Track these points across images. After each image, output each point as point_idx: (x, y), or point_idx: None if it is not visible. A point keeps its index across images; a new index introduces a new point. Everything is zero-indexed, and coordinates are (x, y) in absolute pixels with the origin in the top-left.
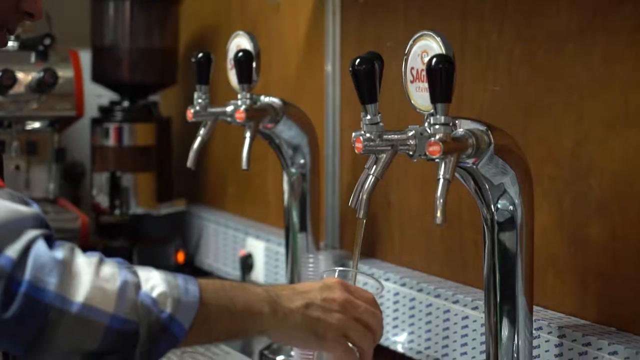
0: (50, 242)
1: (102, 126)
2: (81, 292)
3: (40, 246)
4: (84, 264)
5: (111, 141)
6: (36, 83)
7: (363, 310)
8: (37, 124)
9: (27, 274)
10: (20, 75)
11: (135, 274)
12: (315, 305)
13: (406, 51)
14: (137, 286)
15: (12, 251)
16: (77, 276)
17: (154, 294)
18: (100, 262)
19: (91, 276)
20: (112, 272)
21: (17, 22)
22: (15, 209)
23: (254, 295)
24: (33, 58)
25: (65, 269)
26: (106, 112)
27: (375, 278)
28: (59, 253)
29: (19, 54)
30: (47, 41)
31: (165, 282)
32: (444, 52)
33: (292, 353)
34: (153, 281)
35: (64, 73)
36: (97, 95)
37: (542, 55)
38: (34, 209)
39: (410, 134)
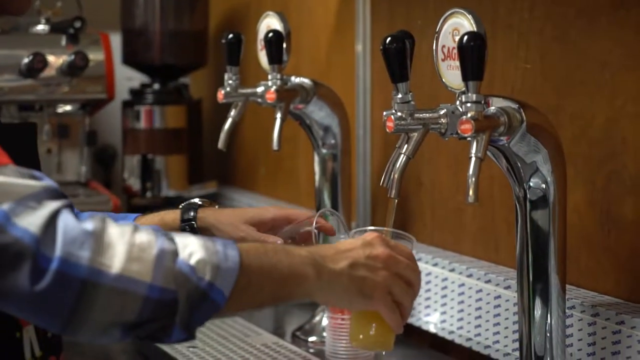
0: (72, 212)
1: (132, 109)
2: (116, 263)
3: (67, 218)
4: (117, 233)
5: (142, 124)
6: (67, 66)
7: (404, 266)
8: (68, 107)
9: (58, 250)
10: (51, 58)
11: (172, 241)
12: (359, 264)
13: (437, 29)
14: (175, 254)
15: (32, 226)
16: (110, 247)
17: (192, 261)
18: (135, 230)
19: (126, 246)
20: (148, 240)
21: None
22: (24, 184)
23: (298, 258)
24: (64, 41)
25: (98, 240)
26: (137, 95)
27: (405, 233)
28: (89, 224)
29: (49, 37)
30: (77, 24)
31: (204, 248)
32: (475, 29)
33: (325, 334)
34: (191, 248)
35: (95, 56)
36: (127, 78)
37: (573, 32)
38: (44, 182)
39: (442, 112)
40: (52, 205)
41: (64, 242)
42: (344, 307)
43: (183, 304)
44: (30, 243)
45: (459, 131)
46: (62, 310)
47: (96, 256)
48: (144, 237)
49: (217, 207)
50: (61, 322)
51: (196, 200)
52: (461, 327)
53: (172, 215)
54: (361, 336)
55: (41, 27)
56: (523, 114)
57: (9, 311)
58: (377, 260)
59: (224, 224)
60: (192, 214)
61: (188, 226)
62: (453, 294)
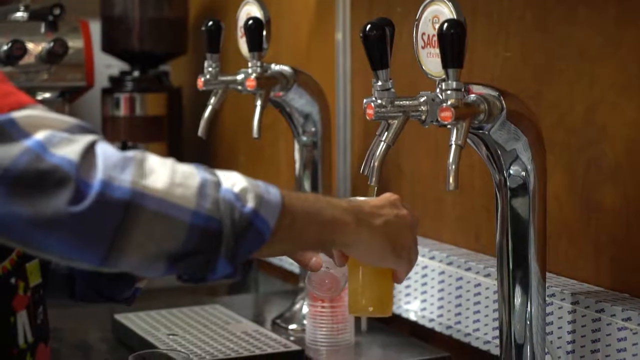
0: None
1: (112, 96)
2: (159, 188)
3: (105, 147)
4: (159, 161)
5: (122, 111)
6: (46, 53)
7: (417, 229)
8: (47, 95)
9: (99, 174)
10: (30, 45)
11: (213, 173)
12: (392, 223)
13: (417, 17)
14: (217, 183)
15: (71, 153)
16: (153, 172)
17: (236, 189)
18: (175, 162)
19: (168, 172)
20: (190, 170)
21: None
22: (58, 119)
23: (339, 208)
24: (43, 28)
25: (139, 165)
26: (116, 82)
27: None
28: (129, 152)
29: (28, 24)
30: (56, 11)
31: (246, 180)
32: (455, 17)
33: (305, 321)
34: (233, 179)
35: (74, 43)
36: (107, 66)
37: (553, 20)
38: (76, 119)
39: (422, 99)
40: (88, 137)
41: (105, 167)
42: (375, 262)
43: (228, 233)
44: (70, 170)
45: (439, 119)
46: (104, 236)
47: (139, 179)
48: (185, 167)
49: None
50: (104, 249)
51: None
52: (441, 315)
53: None
54: (364, 301)
55: (20, 14)
56: (503, 101)
57: (51, 246)
58: (404, 220)
59: None
60: None
61: None
62: (433, 282)
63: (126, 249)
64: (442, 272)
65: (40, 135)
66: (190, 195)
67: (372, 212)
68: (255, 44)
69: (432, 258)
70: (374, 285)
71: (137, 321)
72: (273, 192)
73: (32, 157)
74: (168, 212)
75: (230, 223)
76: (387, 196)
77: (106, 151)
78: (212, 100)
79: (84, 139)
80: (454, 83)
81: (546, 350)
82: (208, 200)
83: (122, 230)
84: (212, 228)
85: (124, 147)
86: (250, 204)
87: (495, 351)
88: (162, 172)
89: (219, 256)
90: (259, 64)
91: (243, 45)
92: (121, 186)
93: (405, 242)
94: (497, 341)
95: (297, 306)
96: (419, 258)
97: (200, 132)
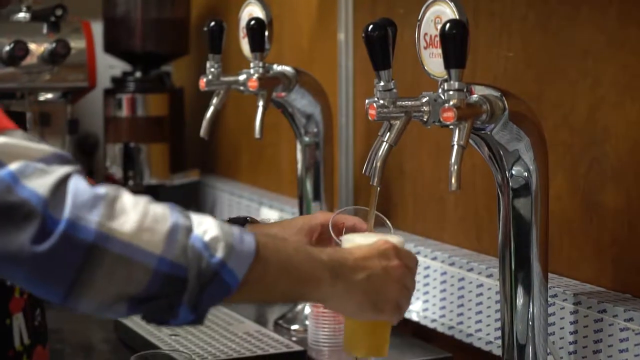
0: (84, 178)
1: (114, 97)
2: (126, 230)
3: (78, 182)
4: (131, 202)
5: (124, 112)
6: (48, 54)
7: (411, 276)
8: (50, 95)
9: (66, 213)
10: (32, 46)
11: (187, 217)
12: (375, 276)
13: (419, 17)
14: (189, 229)
15: (42, 188)
16: (122, 214)
17: (206, 237)
18: (150, 202)
19: (138, 215)
20: (163, 212)
21: None
22: (34, 147)
23: (317, 262)
24: (45, 29)
25: (109, 205)
26: (119, 83)
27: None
28: (102, 189)
29: (30, 25)
30: (58, 12)
31: (219, 227)
32: (457, 17)
33: (307, 322)
34: (206, 225)
35: (76, 44)
36: (109, 66)
37: (556, 20)
38: (55, 148)
39: (424, 100)
40: (63, 169)
41: (74, 205)
42: (354, 316)
43: (193, 282)
44: (37, 205)
45: (441, 119)
46: (65, 276)
47: (106, 221)
48: (158, 209)
49: (270, 220)
50: (64, 289)
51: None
52: (443, 316)
53: None
54: (357, 343)
55: (22, 15)
56: (505, 102)
57: (15, 278)
58: (391, 274)
59: None
60: None
61: None
62: (435, 282)
63: (86, 290)
64: (444, 273)
65: (13, 166)
66: (157, 240)
67: (356, 265)
68: (258, 45)
69: (434, 259)
70: (368, 329)
71: (139, 322)
72: (247, 242)
73: (2, 188)
74: (133, 256)
75: (196, 272)
76: (379, 245)
77: (78, 187)
78: (214, 100)
79: (58, 172)
80: (456, 83)
81: (548, 350)
82: (176, 247)
83: (83, 271)
84: (177, 275)
85: (126, 149)
86: (219, 254)
87: (497, 352)
88: (131, 214)
89: (181, 303)
90: (261, 64)
91: (245, 45)
92: (86, 227)
93: (390, 296)
94: (499, 342)
95: (300, 307)
96: (422, 258)
97: (203, 132)
